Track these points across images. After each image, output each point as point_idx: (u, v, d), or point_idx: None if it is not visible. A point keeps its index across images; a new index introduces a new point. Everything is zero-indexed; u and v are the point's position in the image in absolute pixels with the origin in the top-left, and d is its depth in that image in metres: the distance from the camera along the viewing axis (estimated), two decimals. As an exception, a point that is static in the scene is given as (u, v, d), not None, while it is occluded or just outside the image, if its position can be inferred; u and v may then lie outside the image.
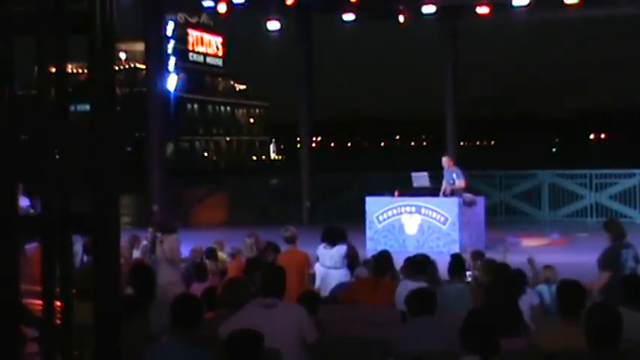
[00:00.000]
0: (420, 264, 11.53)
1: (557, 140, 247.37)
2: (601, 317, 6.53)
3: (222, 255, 15.63)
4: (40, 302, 3.12)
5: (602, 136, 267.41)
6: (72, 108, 3.22)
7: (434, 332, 7.89)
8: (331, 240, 14.40)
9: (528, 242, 22.23)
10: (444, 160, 21.56)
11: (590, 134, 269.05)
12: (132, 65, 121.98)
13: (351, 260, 14.29)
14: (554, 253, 12.54)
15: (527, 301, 10.33)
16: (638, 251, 12.05)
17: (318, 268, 14.45)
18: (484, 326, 6.66)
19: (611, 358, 6.39)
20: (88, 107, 3.07)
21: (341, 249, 14.27)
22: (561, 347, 7.19)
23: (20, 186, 20.34)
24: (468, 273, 12.24)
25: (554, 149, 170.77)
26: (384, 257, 12.05)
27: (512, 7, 27.00)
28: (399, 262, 12.54)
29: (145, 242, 16.25)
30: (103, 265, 3.13)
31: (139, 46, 67.32)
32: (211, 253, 15.14)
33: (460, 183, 21.20)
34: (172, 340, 7.05)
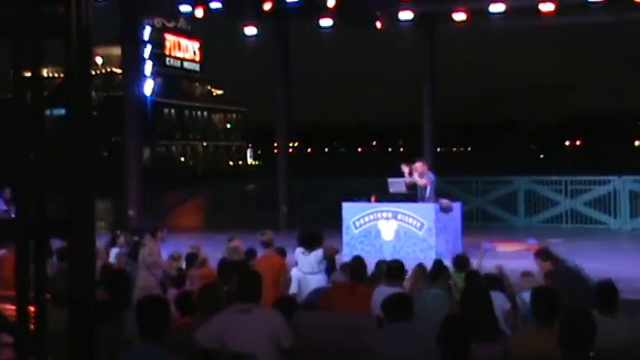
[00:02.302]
0: (396, 270, 11.54)
1: (533, 147, 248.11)
2: (575, 323, 6.57)
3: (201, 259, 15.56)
4: (12, 307, 3.10)
5: (578, 142, 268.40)
6: (47, 112, 3.20)
7: (410, 338, 7.90)
8: (308, 244, 14.41)
9: (504, 248, 22.29)
10: (418, 165, 21.54)
11: (565, 141, 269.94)
12: (109, 70, 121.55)
13: (329, 264, 14.31)
14: (531, 259, 12.55)
15: (496, 304, 10.36)
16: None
17: (295, 273, 14.45)
18: (453, 333, 6.68)
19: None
20: (63, 112, 3.05)
21: (318, 254, 14.29)
22: (535, 353, 7.23)
23: (8, 191, 20.26)
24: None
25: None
26: (359, 263, 12.06)
27: (489, 13, 27.07)
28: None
29: (118, 248, 16.22)
30: (77, 269, 3.12)
31: (116, 51, 67.02)
32: (191, 259, 15.09)
33: (423, 181, 21.11)
34: (143, 345, 6.97)
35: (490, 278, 11.22)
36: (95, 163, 3.28)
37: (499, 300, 10.55)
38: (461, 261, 13.77)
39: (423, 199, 21.04)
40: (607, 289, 8.72)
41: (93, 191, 3.23)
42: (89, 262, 3.24)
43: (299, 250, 14.57)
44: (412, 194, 21.18)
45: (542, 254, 12.20)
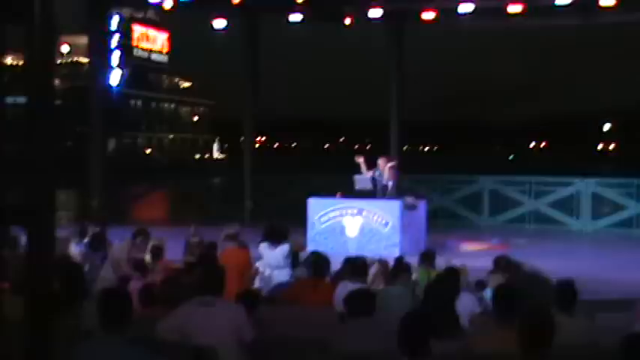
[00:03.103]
0: (359, 266, 11.57)
1: (498, 148, 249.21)
2: (534, 322, 6.62)
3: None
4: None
5: (542, 144, 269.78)
6: (10, 100, 3.17)
7: (371, 333, 7.92)
8: (274, 239, 14.41)
9: (468, 247, 22.40)
10: (380, 161, 21.62)
11: (530, 142, 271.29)
12: (75, 59, 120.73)
13: (293, 259, 14.32)
14: (493, 258, 12.61)
15: (466, 306, 10.40)
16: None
17: (260, 267, 14.45)
18: (413, 329, 6.71)
19: (542, 360, 6.49)
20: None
21: (284, 248, 14.30)
22: (495, 350, 7.27)
23: None
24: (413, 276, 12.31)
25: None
26: (322, 259, 12.06)
27: (458, 13, 27.14)
28: (339, 264, 12.58)
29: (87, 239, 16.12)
30: (34, 258, 3.09)
31: (83, 40, 66.64)
32: (155, 251, 15.01)
33: (388, 176, 21.25)
34: (103, 337, 6.92)
35: (452, 275, 11.22)
36: (56, 152, 3.24)
37: (468, 301, 10.60)
38: (428, 256, 13.83)
39: (384, 195, 21.12)
40: (566, 288, 8.79)
41: (53, 181, 3.20)
42: (47, 252, 3.20)
43: (264, 244, 14.56)
44: (377, 192, 21.25)
45: (499, 266, 12.17)
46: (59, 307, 7.68)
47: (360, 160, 21.53)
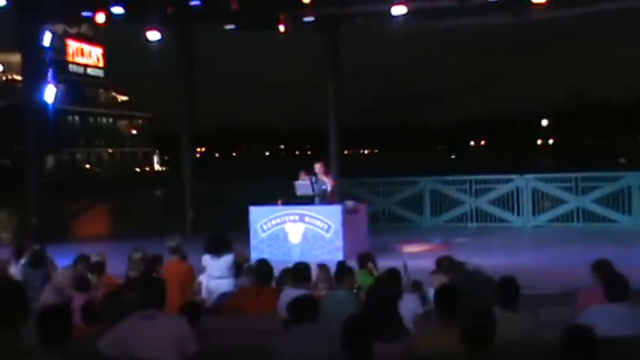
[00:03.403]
0: (302, 272, 11.58)
1: (439, 147, 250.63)
2: (475, 319, 6.67)
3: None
4: None
5: (482, 142, 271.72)
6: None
7: (315, 339, 7.91)
8: (216, 251, 14.36)
9: (410, 248, 22.50)
10: (317, 166, 21.69)
11: (470, 141, 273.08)
12: (9, 77, 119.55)
13: (237, 269, 14.28)
14: (435, 259, 12.66)
15: (409, 307, 10.44)
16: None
17: (204, 279, 14.40)
18: (356, 332, 6.73)
19: (485, 357, 6.53)
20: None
21: (228, 259, 14.26)
22: (439, 350, 7.31)
23: None
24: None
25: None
26: (265, 266, 12.06)
27: (391, 16, 27.27)
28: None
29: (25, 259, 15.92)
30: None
31: (16, 58, 66.03)
32: (96, 267, 14.87)
33: (330, 181, 21.38)
34: (43, 355, 6.85)
35: (392, 276, 11.25)
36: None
37: (411, 303, 10.64)
38: (366, 258, 13.87)
39: (323, 198, 21.20)
40: (508, 285, 8.87)
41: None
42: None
43: (207, 256, 14.50)
44: (319, 197, 21.32)
45: (442, 267, 12.20)
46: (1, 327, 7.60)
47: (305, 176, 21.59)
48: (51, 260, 15.82)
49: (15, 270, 15.47)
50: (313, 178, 21.49)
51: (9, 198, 37.12)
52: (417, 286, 11.97)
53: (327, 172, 21.82)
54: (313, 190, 21.29)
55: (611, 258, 10.70)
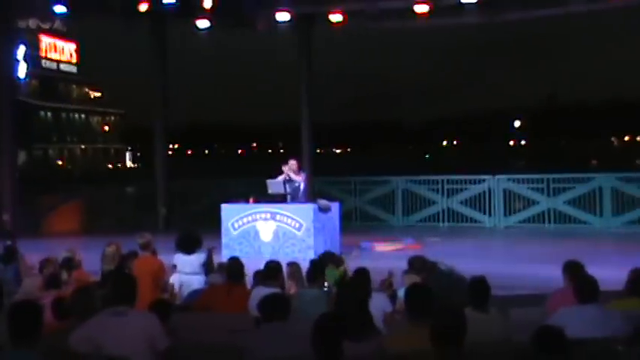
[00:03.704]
0: (272, 270, 11.58)
1: (410, 147, 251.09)
2: (445, 319, 6.69)
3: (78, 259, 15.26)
4: None
5: (455, 142, 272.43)
6: None
7: (286, 338, 7.91)
8: (187, 249, 14.33)
9: (382, 247, 22.53)
10: (292, 162, 21.66)
11: (443, 141, 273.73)
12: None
13: (208, 266, 14.24)
14: (407, 258, 12.67)
15: (379, 305, 10.45)
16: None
17: (174, 276, 14.36)
18: (326, 331, 6.74)
19: (456, 357, 6.54)
20: None
21: (200, 256, 14.24)
22: (410, 349, 7.32)
23: None
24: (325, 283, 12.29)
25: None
26: (236, 264, 12.04)
27: (365, 15, 27.30)
28: (254, 268, 12.56)
29: None
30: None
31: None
32: (67, 263, 14.81)
33: (300, 177, 21.37)
34: (13, 350, 6.85)
35: (362, 275, 11.26)
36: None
37: (380, 301, 10.65)
38: (328, 257, 13.87)
39: (295, 197, 21.19)
40: (479, 285, 8.89)
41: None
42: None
43: (178, 253, 14.46)
44: (290, 196, 21.29)
45: (414, 267, 12.19)
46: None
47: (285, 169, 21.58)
48: (22, 256, 15.74)
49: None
50: (286, 177, 21.46)
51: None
52: (407, 273, 11.95)
53: (299, 169, 21.81)
54: (285, 189, 21.27)
55: (581, 259, 10.75)
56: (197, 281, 13.90)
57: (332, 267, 13.42)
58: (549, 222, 27.90)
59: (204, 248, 14.59)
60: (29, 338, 6.83)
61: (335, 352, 6.68)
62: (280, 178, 21.41)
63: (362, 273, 11.26)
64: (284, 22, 28.65)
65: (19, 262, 15.28)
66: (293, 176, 21.27)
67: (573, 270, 10.44)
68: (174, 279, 14.32)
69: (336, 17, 28.28)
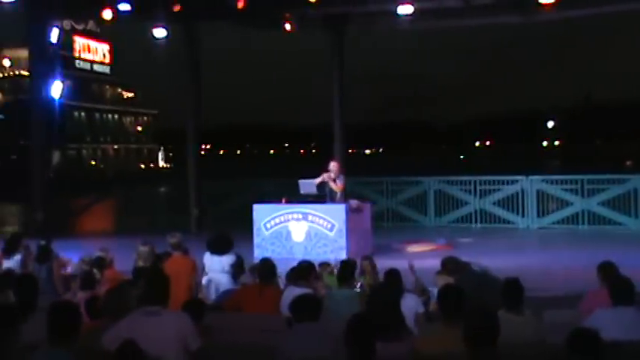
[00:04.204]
0: (304, 270, 11.56)
1: (444, 147, 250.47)
2: (479, 320, 6.64)
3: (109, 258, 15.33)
4: None
5: (487, 143, 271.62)
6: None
7: (317, 338, 7.90)
8: (218, 249, 14.33)
9: (414, 248, 22.48)
10: (333, 164, 21.52)
11: (475, 142, 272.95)
12: (16, 72, 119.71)
13: (237, 270, 14.22)
14: (439, 259, 12.62)
15: (411, 306, 10.42)
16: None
17: (205, 280, 14.37)
18: (360, 331, 6.72)
19: (489, 359, 6.50)
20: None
21: (230, 257, 14.23)
22: (443, 350, 7.28)
23: None
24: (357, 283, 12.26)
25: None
26: (268, 265, 12.02)
27: (397, 15, 27.23)
28: (286, 269, 12.56)
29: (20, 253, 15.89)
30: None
31: (24, 53, 66.06)
32: (100, 262, 14.88)
33: (338, 186, 21.20)
34: (49, 349, 6.90)
35: (394, 276, 11.21)
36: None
37: (412, 302, 10.62)
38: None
39: (333, 201, 21.10)
40: (512, 287, 8.84)
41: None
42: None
43: (208, 253, 14.47)
44: (322, 195, 21.22)
45: (446, 268, 12.10)
46: (16, 320, 7.63)
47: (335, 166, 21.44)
48: (56, 255, 15.82)
49: (8, 264, 15.39)
50: (324, 180, 21.26)
51: (15, 193, 37.13)
52: (423, 292, 11.91)
53: (338, 173, 21.54)
54: (324, 191, 21.18)
55: (616, 261, 10.67)
56: (225, 282, 13.90)
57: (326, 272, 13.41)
58: (583, 223, 27.69)
59: (234, 251, 14.58)
60: (67, 338, 6.89)
61: (368, 353, 6.66)
62: (317, 180, 21.26)
63: (393, 273, 11.22)
64: (316, 22, 28.62)
65: (53, 261, 15.35)
66: (332, 186, 21.13)
67: (607, 271, 10.36)
68: (203, 281, 14.35)
69: (367, 18, 28.23)
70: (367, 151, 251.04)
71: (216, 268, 14.22)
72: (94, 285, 13.06)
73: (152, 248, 15.28)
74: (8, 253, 15.83)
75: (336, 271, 13.31)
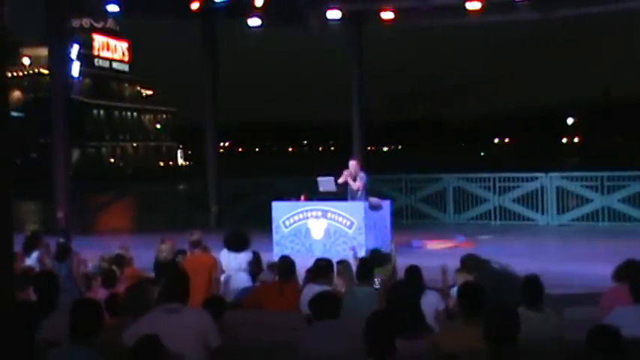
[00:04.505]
0: (324, 268, 11.57)
1: (462, 144, 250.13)
2: (499, 318, 6.64)
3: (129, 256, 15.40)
4: None
5: (507, 140, 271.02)
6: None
7: (337, 335, 7.91)
8: (235, 247, 14.35)
9: (433, 245, 22.43)
10: (352, 163, 21.52)
11: (494, 138, 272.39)
12: (36, 71, 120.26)
13: (254, 268, 14.24)
14: (459, 256, 12.60)
15: (432, 303, 10.42)
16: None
17: (222, 276, 14.41)
18: (379, 328, 6.73)
19: (509, 356, 6.49)
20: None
21: (247, 254, 14.25)
22: (463, 347, 7.28)
23: None
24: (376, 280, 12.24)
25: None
26: (287, 262, 12.04)
27: (416, 12, 27.20)
28: (306, 266, 12.57)
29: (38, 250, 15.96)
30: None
31: (44, 52, 66.36)
32: (120, 260, 14.95)
33: (357, 184, 21.18)
34: (71, 346, 6.95)
35: (414, 272, 11.20)
36: (12, 164, 3.23)
37: (434, 299, 10.62)
38: (380, 257, 13.81)
39: (353, 199, 21.08)
40: (532, 284, 8.82)
41: (9, 191, 3.18)
42: (5, 264, 3.19)
43: (225, 251, 14.50)
44: (342, 193, 21.21)
45: (466, 265, 12.05)
46: (36, 317, 7.68)
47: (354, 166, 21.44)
48: (75, 253, 15.88)
49: (29, 262, 15.49)
50: (349, 179, 21.24)
51: (36, 191, 37.26)
52: (460, 271, 11.87)
53: (358, 171, 21.54)
54: (345, 191, 21.18)
55: (637, 257, 10.62)
56: (242, 279, 13.92)
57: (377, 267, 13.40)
58: (603, 220, 27.59)
59: (251, 249, 14.60)
60: (88, 336, 6.94)
61: (387, 350, 6.67)
62: (340, 180, 21.24)
63: (413, 270, 11.21)
64: (335, 20, 28.61)
65: (73, 259, 15.41)
66: (352, 184, 21.12)
67: (628, 268, 10.33)
68: (221, 274, 14.38)
69: (387, 15, 28.19)
70: (385, 149, 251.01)
71: (232, 265, 14.24)
72: (115, 283, 13.13)
73: (173, 246, 15.35)
74: (28, 251, 15.92)
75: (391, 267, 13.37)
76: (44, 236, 17.05)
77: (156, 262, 14.67)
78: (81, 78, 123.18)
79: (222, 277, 14.23)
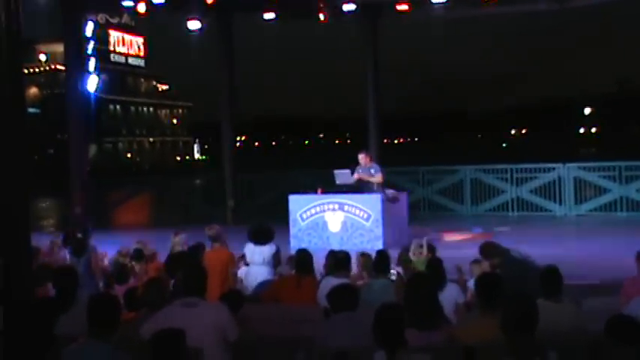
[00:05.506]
0: (342, 261, 11.56)
1: (479, 136, 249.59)
2: (517, 308, 6.61)
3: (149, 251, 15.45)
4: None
5: (523, 131, 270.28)
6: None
7: (355, 328, 7.91)
8: (260, 240, 14.35)
9: (451, 237, 22.39)
10: (361, 156, 21.55)
11: (511, 130, 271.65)
12: (52, 67, 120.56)
13: (276, 261, 14.27)
14: (477, 248, 12.58)
15: (451, 296, 10.42)
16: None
17: (243, 268, 14.43)
18: (387, 321, 6.71)
19: (528, 347, 6.47)
20: None
21: (272, 247, 14.26)
22: (480, 339, 7.27)
23: None
24: (392, 271, 12.24)
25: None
26: (305, 255, 12.04)
27: (432, 3, 27.14)
28: (323, 259, 12.57)
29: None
30: (11, 266, 3.07)
31: (59, 48, 66.52)
32: (138, 254, 15.00)
33: (378, 177, 21.18)
34: (89, 341, 6.97)
35: (435, 266, 11.19)
36: (28, 161, 3.23)
37: (454, 292, 10.61)
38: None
39: (369, 191, 21.06)
40: (551, 274, 8.79)
41: (27, 187, 3.18)
42: (24, 259, 3.19)
43: (250, 244, 14.50)
44: (358, 186, 21.18)
45: (485, 253, 12.04)
46: (56, 312, 7.71)
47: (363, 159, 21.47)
48: (93, 248, 15.94)
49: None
50: (360, 170, 21.29)
51: (53, 186, 37.37)
52: (476, 262, 11.88)
53: (369, 163, 21.56)
54: (355, 184, 21.16)
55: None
56: (263, 272, 13.93)
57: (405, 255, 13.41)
58: (622, 210, 27.48)
59: (274, 241, 14.61)
60: (106, 331, 6.97)
61: (395, 342, 6.65)
62: (355, 176, 21.25)
63: (434, 263, 11.20)
64: (350, 12, 28.54)
65: (91, 254, 15.46)
66: (372, 180, 21.12)
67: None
68: (240, 271, 14.40)
69: (402, 6, 28.10)
70: (401, 140, 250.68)
71: (257, 258, 14.25)
72: (128, 278, 13.19)
73: (183, 238, 15.40)
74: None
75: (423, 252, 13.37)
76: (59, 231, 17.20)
77: (169, 256, 14.71)
78: (97, 73, 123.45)
79: (243, 271, 14.25)
